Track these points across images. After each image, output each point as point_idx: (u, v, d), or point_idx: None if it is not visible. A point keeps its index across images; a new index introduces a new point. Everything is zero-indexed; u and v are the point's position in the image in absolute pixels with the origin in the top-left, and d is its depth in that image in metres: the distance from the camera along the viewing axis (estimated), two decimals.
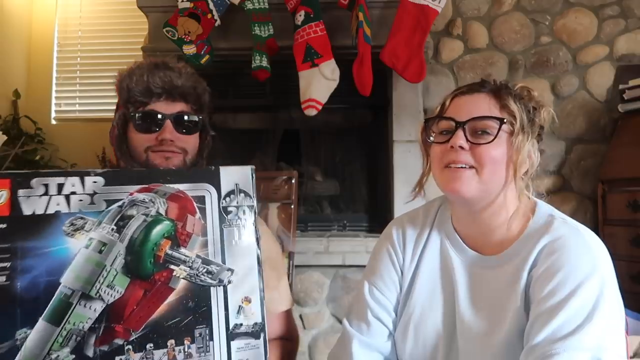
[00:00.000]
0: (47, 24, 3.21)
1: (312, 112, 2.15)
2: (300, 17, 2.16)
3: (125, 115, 1.07)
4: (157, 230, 0.81)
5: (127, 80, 1.06)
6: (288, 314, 1.17)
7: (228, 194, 0.87)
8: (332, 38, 2.20)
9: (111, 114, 1.14)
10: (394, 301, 0.98)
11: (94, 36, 3.20)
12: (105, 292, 0.77)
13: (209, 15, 2.21)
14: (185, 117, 1.07)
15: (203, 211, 0.85)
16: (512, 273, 0.86)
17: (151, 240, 0.81)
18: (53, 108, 3.19)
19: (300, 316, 2.35)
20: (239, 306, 0.84)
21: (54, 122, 3.17)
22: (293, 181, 1.84)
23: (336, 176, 2.76)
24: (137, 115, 1.05)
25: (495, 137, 0.84)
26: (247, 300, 0.84)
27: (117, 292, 0.78)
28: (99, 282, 0.77)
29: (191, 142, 1.09)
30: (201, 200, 0.85)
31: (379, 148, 2.60)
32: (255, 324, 0.85)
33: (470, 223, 0.93)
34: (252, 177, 0.89)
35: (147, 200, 0.82)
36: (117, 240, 0.79)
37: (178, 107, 1.06)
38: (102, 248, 0.78)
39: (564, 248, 0.82)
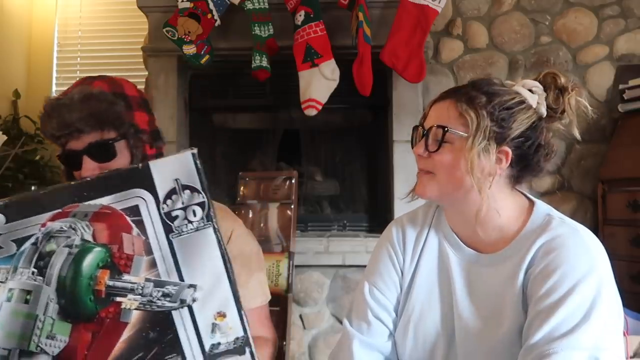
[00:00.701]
0: (47, 24, 3.21)
1: (312, 112, 2.15)
2: (300, 17, 2.16)
3: None
4: (88, 261, 0.68)
5: (41, 125, 1.03)
6: (260, 311, 1.12)
7: (168, 196, 0.69)
8: (332, 38, 2.20)
9: None
10: (394, 301, 0.99)
11: (94, 36, 3.21)
12: (46, 344, 0.67)
13: (209, 15, 2.21)
14: (96, 147, 0.99)
15: (140, 224, 0.69)
16: (510, 271, 0.87)
17: (84, 275, 0.67)
18: None
19: (300, 316, 2.35)
20: (213, 324, 0.70)
21: None
22: (293, 181, 1.84)
23: (336, 176, 2.76)
24: (61, 158, 1.03)
25: (439, 145, 0.88)
26: (221, 315, 0.71)
27: (61, 341, 0.67)
28: (36, 335, 0.67)
29: (117, 165, 1.01)
30: (135, 211, 0.69)
31: (379, 148, 2.60)
32: (237, 338, 0.71)
33: (459, 222, 0.95)
34: (196, 164, 0.70)
35: (65, 228, 0.68)
36: (43, 284, 0.67)
37: (86, 139, 0.98)
38: (28, 297, 0.67)
39: (562, 247, 0.83)
